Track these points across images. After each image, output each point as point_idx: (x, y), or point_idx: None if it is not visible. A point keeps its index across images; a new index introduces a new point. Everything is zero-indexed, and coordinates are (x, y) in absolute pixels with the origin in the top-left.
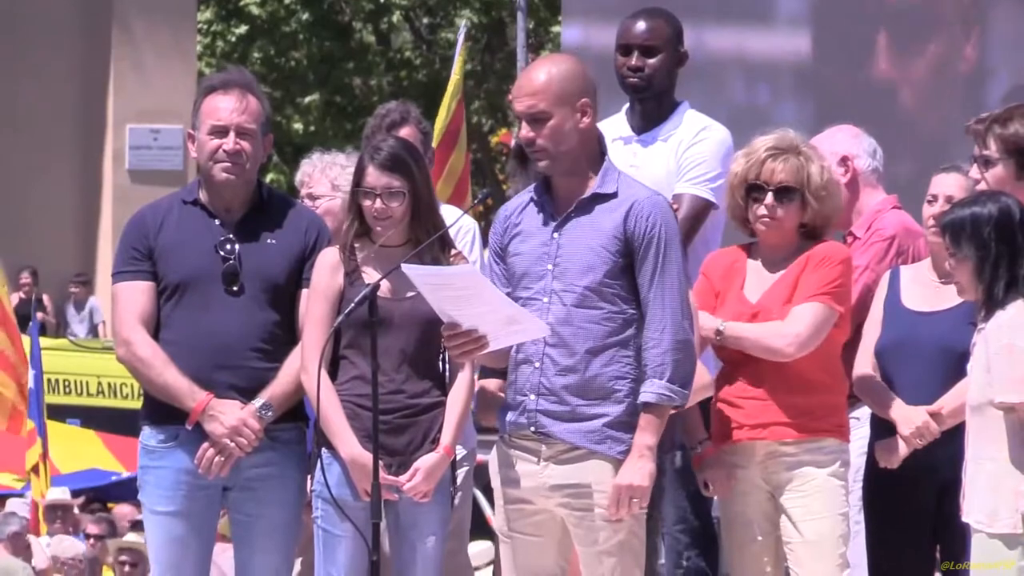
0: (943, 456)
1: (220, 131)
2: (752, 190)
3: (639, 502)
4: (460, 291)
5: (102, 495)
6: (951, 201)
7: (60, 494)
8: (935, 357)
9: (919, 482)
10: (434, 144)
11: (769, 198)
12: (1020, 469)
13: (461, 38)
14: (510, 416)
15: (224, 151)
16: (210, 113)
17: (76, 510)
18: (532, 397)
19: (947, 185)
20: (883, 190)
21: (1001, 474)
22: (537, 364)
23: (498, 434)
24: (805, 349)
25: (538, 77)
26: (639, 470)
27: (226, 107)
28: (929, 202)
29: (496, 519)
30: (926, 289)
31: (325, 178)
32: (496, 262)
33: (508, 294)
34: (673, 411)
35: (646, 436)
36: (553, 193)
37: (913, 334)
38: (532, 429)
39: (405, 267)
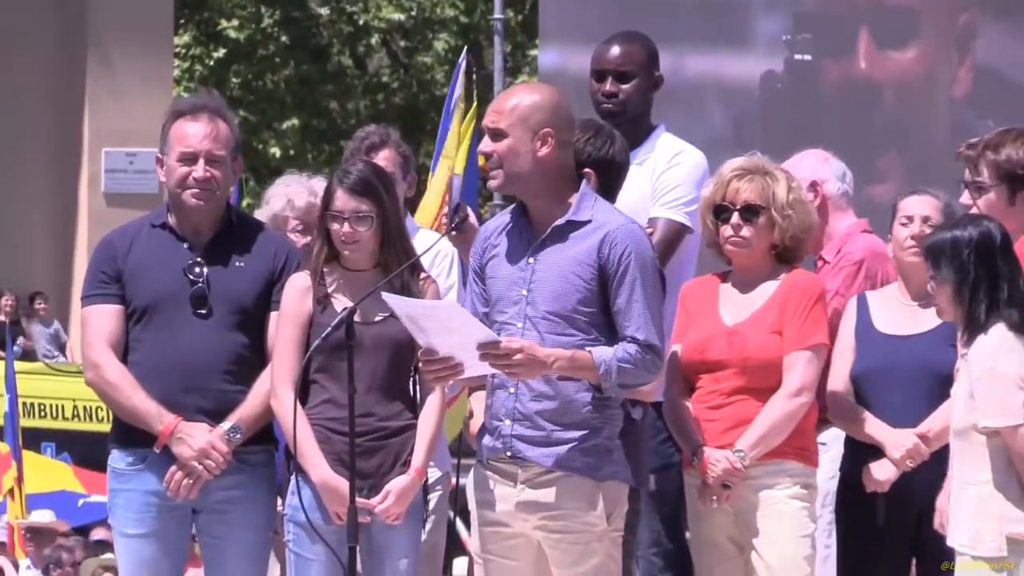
0: (922, 479)
1: (190, 158)
2: (719, 212)
3: (521, 363)
4: (439, 321)
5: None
6: (927, 221)
7: (39, 517)
8: (918, 380)
9: (899, 505)
10: (458, 170)
11: (735, 217)
12: (1004, 493)
13: (462, 65)
14: (487, 441)
15: (194, 178)
16: (180, 139)
17: (61, 538)
18: (507, 423)
19: (920, 206)
20: (853, 213)
21: (985, 498)
22: (512, 390)
23: (476, 457)
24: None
25: (509, 99)
26: (536, 349)
27: (196, 134)
28: (903, 224)
29: (472, 541)
30: (898, 313)
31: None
32: (476, 282)
33: (486, 315)
34: (599, 392)
35: (561, 360)
36: (530, 217)
37: (893, 359)
38: (508, 454)
39: (386, 297)
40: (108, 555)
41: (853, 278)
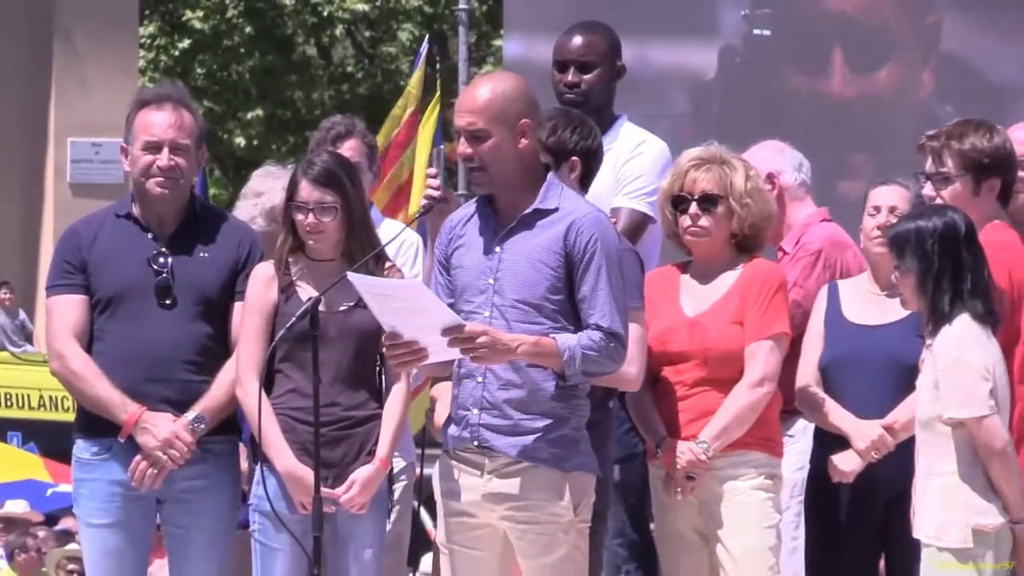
0: (888, 471)
1: (154, 147)
2: (678, 202)
3: (485, 346)
4: (404, 303)
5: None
6: (894, 211)
7: (13, 507)
8: (884, 370)
9: (866, 497)
10: (420, 160)
11: (693, 207)
12: (969, 484)
13: (423, 53)
14: (453, 430)
15: (158, 167)
16: (144, 129)
17: (38, 530)
18: (475, 411)
19: (888, 196)
20: (812, 202)
21: (951, 489)
22: (480, 379)
23: (442, 448)
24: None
25: (480, 95)
26: (499, 333)
27: (160, 123)
28: (871, 214)
29: (438, 531)
30: (868, 302)
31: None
32: (440, 273)
33: (451, 305)
34: (563, 380)
35: (525, 345)
36: (496, 207)
37: (860, 348)
38: (475, 443)
39: (351, 276)
40: (73, 545)
41: (811, 268)
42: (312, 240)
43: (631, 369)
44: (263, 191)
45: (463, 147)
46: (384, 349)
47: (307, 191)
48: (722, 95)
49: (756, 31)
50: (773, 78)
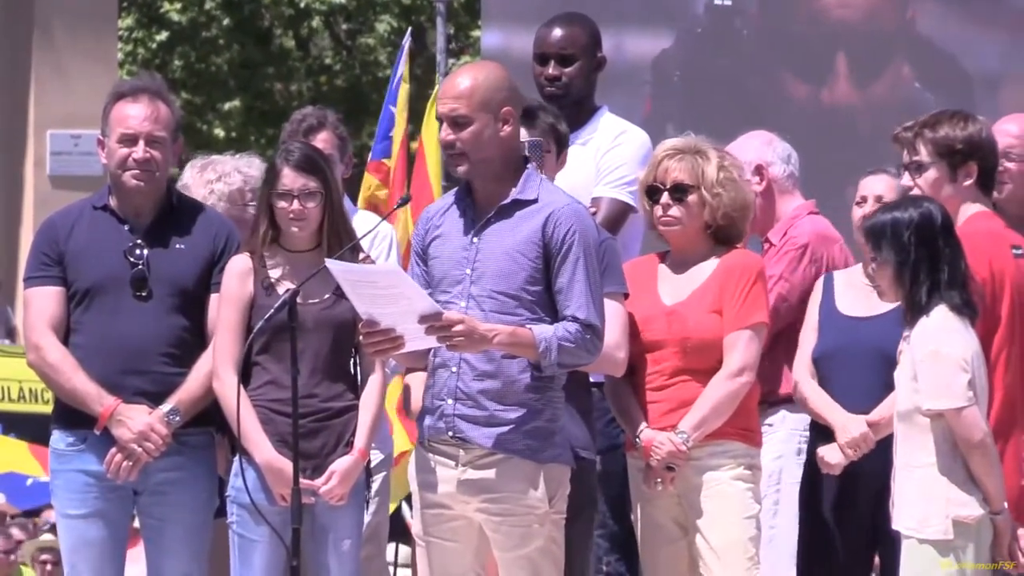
0: (876, 464)
1: (130, 139)
2: (652, 192)
3: (461, 334)
4: (381, 289)
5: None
6: (880, 201)
7: None
8: (873, 362)
9: (855, 490)
10: (395, 152)
11: (664, 197)
12: (948, 476)
13: (405, 47)
14: (428, 421)
15: (134, 159)
16: (120, 121)
17: (11, 527)
18: (450, 402)
19: (875, 186)
20: (800, 195)
21: (930, 481)
22: (454, 369)
23: (418, 439)
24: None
25: (463, 82)
26: (476, 323)
27: (136, 115)
28: (859, 204)
29: (414, 523)
30: (860, 294)
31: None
32: (417, 263)
33: (428, 295)
34: (538, 371)
35: (501, 335)
36: (474, 197)
37: (850, 339)
38: (450, 434)
39: (329, 263)
40: (46, 536)
41: (797, 262)
42: (296, 227)
43: (618, 354)
44: (220, 174)
45: (445, 133)
46: (360, 337)
47: (290, 178)
48: (683, 66)
49: (717, 1)
50: (734, 48)
